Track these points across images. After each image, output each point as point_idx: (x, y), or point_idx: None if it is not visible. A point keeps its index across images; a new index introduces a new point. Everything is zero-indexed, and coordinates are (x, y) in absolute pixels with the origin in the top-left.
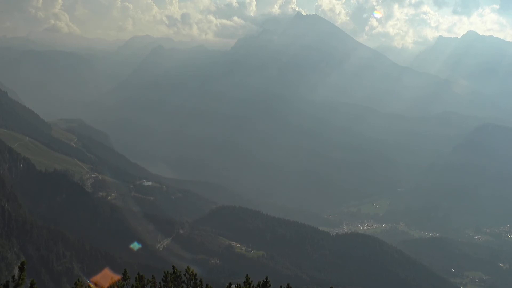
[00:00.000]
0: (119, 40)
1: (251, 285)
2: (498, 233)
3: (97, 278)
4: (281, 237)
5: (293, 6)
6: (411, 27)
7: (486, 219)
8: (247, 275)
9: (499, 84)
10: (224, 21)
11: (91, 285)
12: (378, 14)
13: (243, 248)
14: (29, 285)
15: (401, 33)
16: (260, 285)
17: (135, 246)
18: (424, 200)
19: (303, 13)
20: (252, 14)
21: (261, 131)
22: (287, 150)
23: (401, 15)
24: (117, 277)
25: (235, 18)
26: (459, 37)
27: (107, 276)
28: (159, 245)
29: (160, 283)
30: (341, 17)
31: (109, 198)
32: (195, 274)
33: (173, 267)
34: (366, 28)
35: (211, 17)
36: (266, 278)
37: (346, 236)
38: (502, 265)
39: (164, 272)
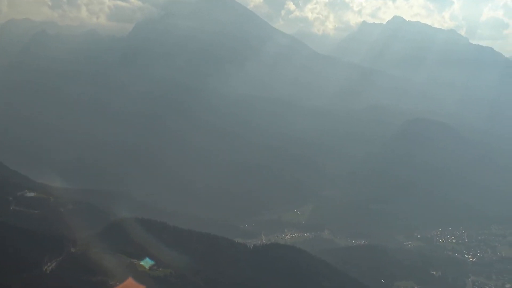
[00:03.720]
0: None
1: None
2: (430, 238)
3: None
4: (192, 251)
5: None
6: (332, 11)
7: (417, 223)
8: None
9: (428, 72)
10: (119, 2)
11: None
12: None
13: (147, 266)
14: None
15: (321, 18)
16: None
17: (147, 263)
18: (351, 204)
19: None
20: None
21: (169, 129)
22: (199, 153)
23: None
24: (142, 286)
25: None
26: (384, 22)
27: (132, 286)
28: (46, 267)
29: None
30: None
31: None
32: None
33: None
34: (283, 12)
35: None
36: None
37: (265, 248)
38: (434, 272)
39: None
